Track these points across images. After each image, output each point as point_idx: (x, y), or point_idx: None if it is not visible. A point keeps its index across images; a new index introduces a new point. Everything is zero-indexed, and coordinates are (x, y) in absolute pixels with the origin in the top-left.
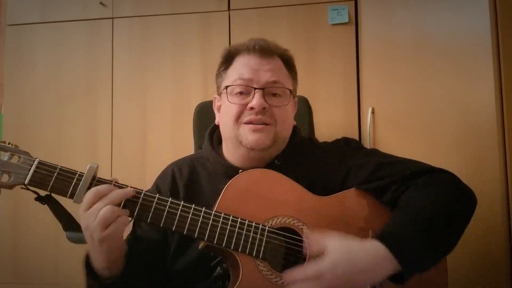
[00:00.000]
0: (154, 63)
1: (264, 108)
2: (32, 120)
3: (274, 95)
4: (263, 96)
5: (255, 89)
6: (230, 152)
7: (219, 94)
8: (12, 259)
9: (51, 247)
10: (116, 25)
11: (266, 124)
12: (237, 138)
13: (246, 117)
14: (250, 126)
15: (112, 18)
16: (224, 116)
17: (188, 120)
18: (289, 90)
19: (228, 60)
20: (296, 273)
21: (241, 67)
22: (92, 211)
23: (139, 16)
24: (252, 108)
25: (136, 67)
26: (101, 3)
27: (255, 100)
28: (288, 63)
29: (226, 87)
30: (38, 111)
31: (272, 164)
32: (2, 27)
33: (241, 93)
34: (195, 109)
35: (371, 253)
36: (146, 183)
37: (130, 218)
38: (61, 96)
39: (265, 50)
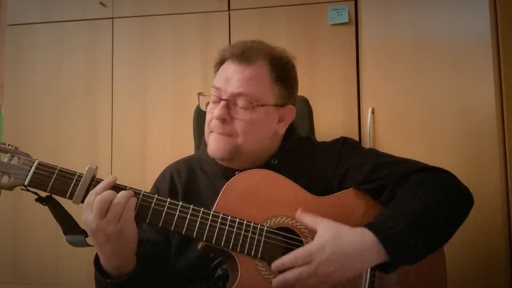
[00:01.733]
0: (154, 63)
1: (225, 119)
2: (32, 120)
3: (241, 107)
4: (226, 107)
5: (221, 100)
6: None
7: None
8: (12, 259)
9: (51, 247)
10: (116, 25)
11: (226, 135)
12: (207, 143)
13: (213, 126)
14: (213, 133)
15: (112, 18)
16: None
17: (188, 120)
18: (259, 104)
19: (219, 62)
20: (285, 259)
21: (219, 74)
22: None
23: (139, 16)
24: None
25: (136, 67)
26: (101, 3)
27: (216, 110)
28: (278, 69)
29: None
30: (38, 111)
31: (269, 164)
32: (2, 27)
33: (214, 102)
34: (195, 109)
35: (359, 238)
36: (146, 183)
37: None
38: (61, 96)
39: (244, 56)
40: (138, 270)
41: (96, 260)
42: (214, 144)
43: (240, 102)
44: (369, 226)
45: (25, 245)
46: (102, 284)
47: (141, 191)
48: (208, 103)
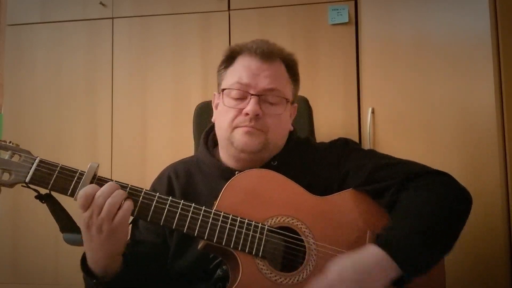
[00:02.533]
0: (154, 63)
1: (258, 115)
2: (32, 120)
3: (270, 103)
4: (258, 102)
5: (251, 95)
6: (224, 152)
7: (219, 92)
8: (12, 259)
9: (51, 247)
10: (116, 25)
11: (258, 130)
12: (229, 140)
13: (240, 122)
14: (243, 128)
15: (112, 18)
16: (220, 118)
17: (188, 120)
18: (286, 99)
19: (230, 59)
20: None
21: (241, 70)
22: (96, 205)
23: (139, 16)
24: (247, 114)
25: (136, 67)
26: (101, 3)
27: (250, 106)
28: (291, 68)
29: (223, 90)
30: (38, 111)
31: (269, 165)
32: (2, 27)
33: (238, 98)
34: (195, 109)
35: (372, 259)
36: (146, 183)
37: (131, 217)
38: (61, 96)
39: (267, 54)
40: (124, 270)
41: (83, 260)
42: (246, 138)
43: (272, 97)
44: (379, 243)
45: (25, 245)
46: (89, 285)
47: (142, 189)
48: (215, 101)
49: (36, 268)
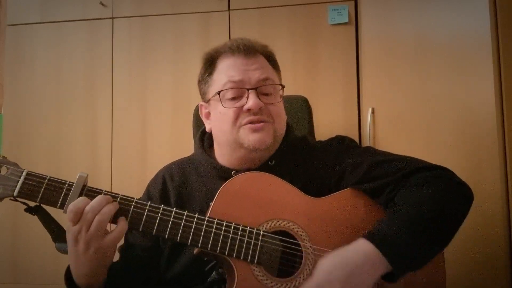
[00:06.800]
0: (154, 63)
1: (261, 108)
2: (32, 120)
3: (266, 94)
4: (257, 96)
5: (248, 90)
6: (225, 156)
7: (207, 101)
8: (12, 259)
9: (51, 247)
10: (116, 25)
11: (265, 122)
12: (237, 141)
13: (244, 119)
14: (250, 126)
15: (112, 18)
16: (220, 123)
17: (188, 120)
18: (281, 85)
19: (210, 64)
20: None
21: (228, 70)
22: (85, 221)
23: (139, 16)
24: (249, 110)
25: (136, 67)
26: (101, 3)
27: (251, 100)
28: (271, 59)
29: (219, 93)
30: (38, 111)
31: (266, 165)
32: (2, 27)
33: (233, 98)
34: (195, 109)
35: (361, 253)
36: (146, 183)
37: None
38: (61, 96)
39: (249, 49)
40: (109, 282)
41: (67, 272)
42: (257, 136)
43: (268, 88)
44: (369, 236)
45: (25, 245)
46: None
47: (133, 198)
48: (203, 111)
49: (36, 268)
